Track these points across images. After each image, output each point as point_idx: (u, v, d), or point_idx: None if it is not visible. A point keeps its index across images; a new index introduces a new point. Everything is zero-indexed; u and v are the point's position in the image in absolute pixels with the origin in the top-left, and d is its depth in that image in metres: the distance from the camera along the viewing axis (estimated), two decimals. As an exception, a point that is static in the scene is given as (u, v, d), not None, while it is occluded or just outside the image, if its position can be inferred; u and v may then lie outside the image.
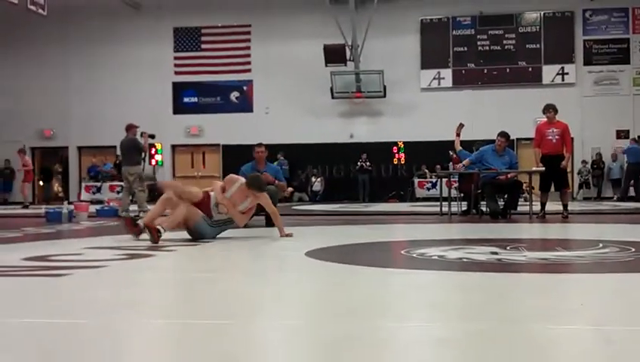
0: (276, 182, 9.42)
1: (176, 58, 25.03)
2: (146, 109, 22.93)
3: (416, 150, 23.24)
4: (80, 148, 25.11)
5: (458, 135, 12.02)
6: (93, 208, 13.45)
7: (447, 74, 23.65)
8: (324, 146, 23.07)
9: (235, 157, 23.79)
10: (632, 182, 20.63)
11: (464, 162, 11.76)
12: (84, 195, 22.44)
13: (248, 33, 24.59)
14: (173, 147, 25.09)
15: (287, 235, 7.34)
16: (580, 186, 22.54)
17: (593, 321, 2.90)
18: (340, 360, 2.24)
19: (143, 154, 13.58)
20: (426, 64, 23.69)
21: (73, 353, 2.37)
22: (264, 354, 2.40)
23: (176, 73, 24.98)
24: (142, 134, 13.41)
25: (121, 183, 16.46)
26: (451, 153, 11.82)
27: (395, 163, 23.88)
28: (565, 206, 10.95)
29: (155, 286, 4.24)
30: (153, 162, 23.68)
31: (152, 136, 13.72)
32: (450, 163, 14.02)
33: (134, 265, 5.15)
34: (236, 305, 3.36)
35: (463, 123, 12.13)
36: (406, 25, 23.52)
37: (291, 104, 23.72)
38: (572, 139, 11.88)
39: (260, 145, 10.40)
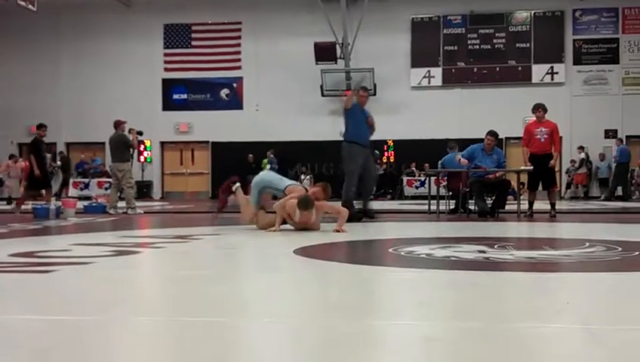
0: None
1: (166, 55, 24.97)
2: (136, 106, 22.88)
3: (405, 148, 23.27)
4: (68, 145, 25.01)
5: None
6: (81, 204, 13.39)
7: (437, 72, 23.70)
8: (314, 144, 23.06)
9: (224, 154, 23.85)
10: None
11: (462, 161, 11.65)
12: (72, 191, 22.35)
13: (239, 30, 24.56)
14: (162, 144, 25.03)
15: (341, 230, 7.43)
16: (568, 186, 22.64)
17: (579, 320, 2.91)
18: (328, 359, 2.24)
19: (132, 151, 13.56)
20: (416, 62, 23.73)
21: (60, 350, 2.36)
22: (252, 353, 2.40)
23: (166, 70, 24.92)
24: (130, 131, 13.38)
25: (110, 179, 16.43)
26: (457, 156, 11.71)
27: (385, 161, 23.91)
28: (553, 205, 10.99)
29: (141, 283, 4.23)
30: (142, 159, 23.62)
31: (140, 133, 13.66)
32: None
33: (122, 261, 5.13)
34: (224, 303, 3.35)
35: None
36: (397, 23, 23.55)
37: (281, 101, 23.70)
38: (561, 138, 11.93)
39: (364, 89, 10.91)
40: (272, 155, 22.85)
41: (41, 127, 13.10)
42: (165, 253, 5.84)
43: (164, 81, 24.94)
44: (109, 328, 2.73)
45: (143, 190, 23.32)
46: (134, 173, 14.69)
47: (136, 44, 24.51)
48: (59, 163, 22.35)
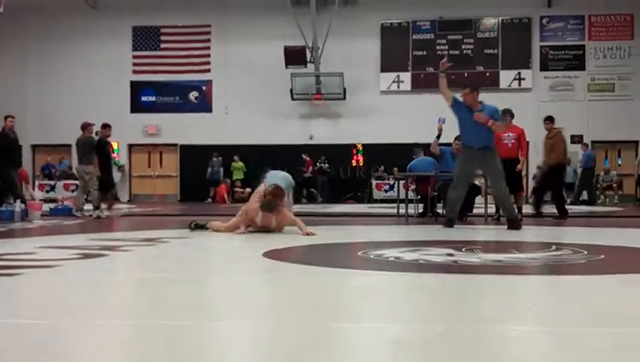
0: (490, 122, 8.86)
1: (134, 57, 24.79)
2: (103, 108, 22.60)
3: (375, 152, 23.37)
4: (34, 147, 24.67)
5: (438, 136, 11.52)
6: (46, 207, 13.22)
7: (406, 77, 23.83)
8: (284, 147, 23.03)
9: (192, 157, 23.73)
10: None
11: (432, 145, 11.72)
12: (38, 194, 22.03)
13: (208, 33, 24.47)
14: (130, 146, 24.82)
15: (310, 233, 7.49)
16: (534, 191, 22.85)
17: (546, 322, 2.94)
18: None
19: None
20: (385, 67, 23.83)
21: (24, 354, 2.33)
22: (217, 356, 2.38)
23: (135, 72, 24.73)
24: (97, 133, 13.26)
25: (76, 182, 16.24)
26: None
27: (354, 165, 24.00)
28: (519, 208, 11.08)
29: (109, 286, 4.18)
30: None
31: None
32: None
33: (89, 265, 5.07)
34: (191, 307, 3.33)
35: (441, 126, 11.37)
36: (366, 28, 23.64)
37: (251, 105, 23.65)
38: (527, 143, 12.06)
39: (467, 87, 9.81)
40: (215, 158, 22.95)
41: (105, 127, 12.92)
42: (133, 256, 5.78)
43: (133, 84, 24.74)
44: (71, 332, 2.70)
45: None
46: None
47: (103, 45, 24.28)
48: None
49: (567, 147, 12.77)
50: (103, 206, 12.78)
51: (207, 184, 22.97)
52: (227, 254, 6.13)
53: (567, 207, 12.96)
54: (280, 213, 7.89)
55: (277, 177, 8.66)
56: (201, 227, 8.35)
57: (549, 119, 12.66)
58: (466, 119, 9.06)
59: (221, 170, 23.09)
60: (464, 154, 9.20)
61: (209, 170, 23.09)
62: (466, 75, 23.56)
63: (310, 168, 22.73)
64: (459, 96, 9.43)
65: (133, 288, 4.14)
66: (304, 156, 22.79)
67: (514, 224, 8.69)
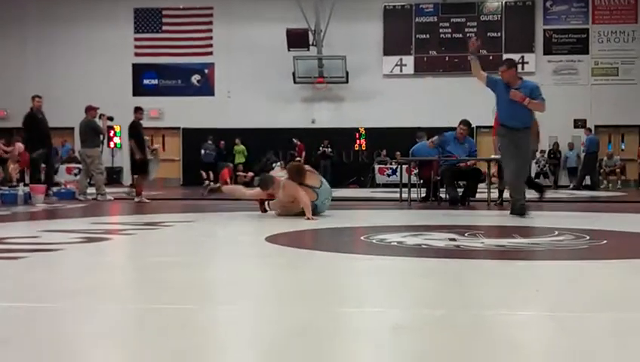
0: (526, 100, 8.17)
1: (136, 39, 24.71)
2: (105, 91, 22.56)
3: (377, 136, 23.33)
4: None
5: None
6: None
7: (409, 61, 23.75)
8: (286, 131, 23.00)
9: (195, 140, 23.69)
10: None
11: (428, 142, 11.84)
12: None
13: (210, 15, 24.37)
14: (133, 129, 24.75)
15: (310, 218, 7.47)
16: (537, 175, 22.86)
17: (548, 308, 2.95)
18: (296, 346, 2.24)
19: (102, 137, 13.43)
20: (388, 50, 23.75)
21: (28, 337, 2.34)
22: (219, 340, 2.39)
23: (137, 55, 24.66)
24: (100, 116, 13.24)
25: (79, 165, 16.24)
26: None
27: (357, 149, 23.97)
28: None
29: (111, 270, 4.19)
30: (112, 145, 23.39)
31: (111, 119, 13.53)
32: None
33: (91, 248, 5.08)
34: (192, 291, 3.34)
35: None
36: (369, 11, 23.53)
37: (253, 88, 23.59)
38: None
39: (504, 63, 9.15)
40: (209, 142, 22.91)
41: (138, 110, 12.91)
42: (135, 239, 5.80)
43: (135, 66, 24.68)
44: (74, 316, 2.71)
45: (113, 176, 23.11)
46: (104, 159, 14.54)
47: (105, 28, 24.19)
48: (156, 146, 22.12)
49: (541, 137, 12.29)
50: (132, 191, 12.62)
51: (200, 167, 23.07)
52: (229, 239, 6.14)
53: (570, 191, 12.89)
54: (286, 186, 7.84)
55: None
56: (216, 190, 8.46)
57: None
58: (503, 96, 8.54)
59: (214, 153, 23.07)
60: (503, 135, 8.56)
61: (202, 152, 23.15)
62: (469, 58, 23.50)
63: (302, 153, 22.64)
64: (499, 73, 8.85)
65: (135, 272, 4.16)
66: (295, 140, 22.72)
67: (520, 210, 8.21)
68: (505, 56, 23.10)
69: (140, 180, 12.70)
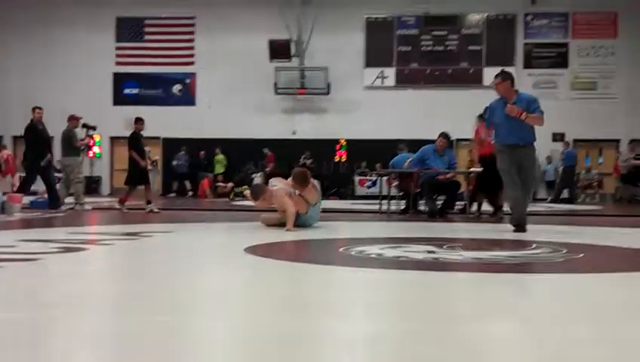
0: (523, 115, 7.85)
1: (117, 48, 24.63)
2: (86, 99, 22.49)
3: (358, 148, 23.37)
4: (15, 138, 24.42)
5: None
6: (27, 199, 13.11)
7: (390, 73, 23.86)
8: (267, 142, 22.99)
9: (176, 150, 23.62)
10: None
11: (405, 164, 11.98)
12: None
13: (192, 25, 24.36)
14: (112, 139, 24.63)
15: (290, 230, 7.52)
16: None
17: (525, 320, 2.97)
18: (272, 358, 2.24)
19: (82, 147, 13.41)
20: (370, 62, 23.85)
21: (2, 348, 2.31)
22: (197, 352, 2.38)
23: (118, 63, 24.58)
24: (84, 126, 13.25)
25: (59, 174, 16.11)
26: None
27: (337, 160, 23.99)
28: (500, 206, 11.14)
29: (89, 280, 4.16)
30: (91, 154, 23.24)
31: (94, 128, 13.49)
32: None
33: (69, 258, 5.05)
34: (170, 302, 3.32)
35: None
36: (351, 22, 23.63)
37: (234, 99, 23.57)
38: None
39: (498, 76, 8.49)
40: (183, 152, 22.98)
41: (138, 120, 12.82)
42: (114, 250, 5.76)
43: (116, 75, 24.60)
44: (50, 326, 2.69)
45: (92, 185, 22.97)
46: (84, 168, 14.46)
47: (87, 36, 24.11)
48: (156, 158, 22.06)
49: None
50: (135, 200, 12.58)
51: (172, 178, 23.07)
52: (208, 249, 6.12)
53: (548, 205, 12.98)
54: (273, 195, 8.03)
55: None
56: (240, 194, 8.53)
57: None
58: (499, 113, 8.04)
59: (187, 163, 23.04)
60: (500, 153, 8.17)
61: (174, 163, 23.12)
62: (450, 71, 23.67)
63: (271, 164, 22.52)
64: (493, 86, 8.38)
65: (111, 282, 4.13)
66: (265, 151, 22.66)
67: (521, 228, 7.85)
68: (486, 70, 23.37)
69: (130, 191, 12.61)
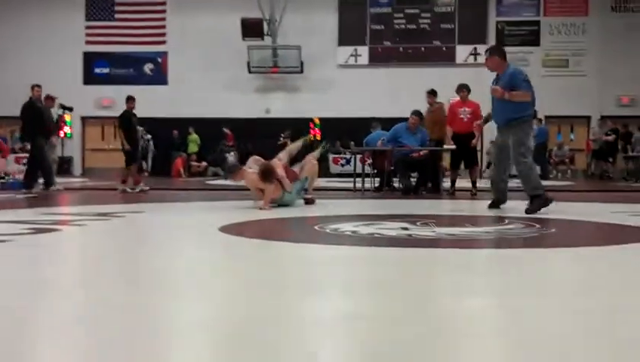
0: (506, 95, 7.57)
1: (87, 27, 24.29)
2: (56, 79, 22.11)
3: (332, 126, 23.32)
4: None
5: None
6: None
7: (363, 51, 23.80)
8: (240, 121, 22.87)
9: (148, 130, 23.38)
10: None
11: (378, 143, 12.00)
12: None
13: (164, 4, 24.09)
14: (83, 119, 24.37)
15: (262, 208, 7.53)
16: (488, 165, 23.16)
17: (499, 294, 2.99)
18: (247, 336, 2.23)
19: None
20: (343, 41, 23.77)
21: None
22: (167, 332, 2.37)
23: (88, 43, 24.26)
24: (61, 106, 13.11)
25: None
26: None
27: (312, 139, 23.93)
28: (474, 183, 11.23)
29: (61, 262, 4.12)
30: (62, 134, 22.97)
31: (70, 109, 13.33)
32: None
33: (40, 239, 4.99)
34: (143, 282, 3.30)
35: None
36: (324, 1, 23.51)
37: (207, 77, 23.39)
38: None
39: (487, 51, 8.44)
40: (143, 130, 22.71)
41: (130, 99, 12.59)
42: (86, 230, 5.71)
43: (86, 55, 24.28)
44: (21, 310, 2.65)
45: (64, 166, 22.73)
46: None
47: (56, 15, 23.75)
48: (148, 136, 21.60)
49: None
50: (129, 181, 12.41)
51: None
52: (183, 228, 6.08)
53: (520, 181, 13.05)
54: (245, 176, 8.04)
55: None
56: (232, 172, 8.40)
57: (432, 93, 12.41)
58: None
59: (151, 143, 22.67)
60: (497, 133, 8.07)
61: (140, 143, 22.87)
62: (423, 49, 23.67)
63: (231, 142, 22.33)
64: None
65: (83, 263, 4.09)
66: (225, 130, 22.44)
67: (539, 200, 7.37)
68: (458, 48, 23.41)
69: (127, 171, 12.49)
